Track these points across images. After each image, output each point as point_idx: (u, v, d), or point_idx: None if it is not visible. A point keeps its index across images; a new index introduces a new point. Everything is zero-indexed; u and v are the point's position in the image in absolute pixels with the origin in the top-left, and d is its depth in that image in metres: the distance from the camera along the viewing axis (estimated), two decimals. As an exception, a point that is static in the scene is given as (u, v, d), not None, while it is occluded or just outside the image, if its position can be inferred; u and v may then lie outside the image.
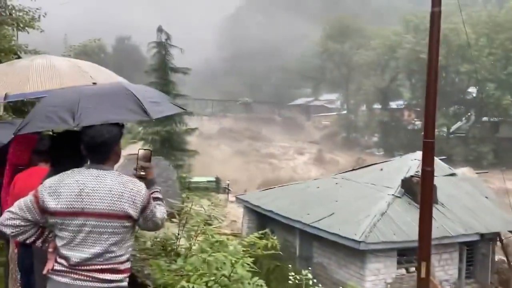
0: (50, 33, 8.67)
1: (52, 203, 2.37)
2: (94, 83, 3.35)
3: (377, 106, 62.00)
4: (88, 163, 2.50)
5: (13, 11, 8.10)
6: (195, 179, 29.67)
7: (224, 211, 21.29)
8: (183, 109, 3.45)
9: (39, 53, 7.86)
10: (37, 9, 8.21)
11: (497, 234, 15.19)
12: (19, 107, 5.78)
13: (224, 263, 3.02)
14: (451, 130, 53.83)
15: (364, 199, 14.71)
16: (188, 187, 23.51)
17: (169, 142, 25.56)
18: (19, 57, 7.64)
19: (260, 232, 3.21)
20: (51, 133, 3.24)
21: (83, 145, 2.49)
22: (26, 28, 7.99)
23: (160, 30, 27.25)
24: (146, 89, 2.82)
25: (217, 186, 33.59)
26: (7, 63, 4.38)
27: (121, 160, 2.64)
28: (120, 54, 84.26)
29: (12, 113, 6.02)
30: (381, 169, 17.41)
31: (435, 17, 6.78)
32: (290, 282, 3.43)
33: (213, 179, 34.11)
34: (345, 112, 66.57)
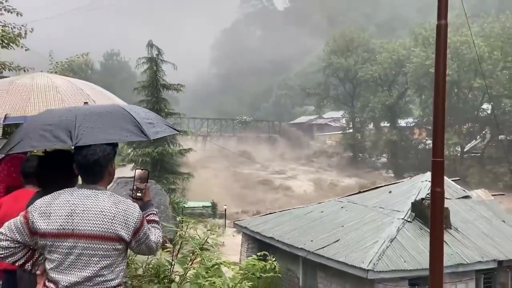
0: (35, 49, 8.82)
1: (42, 224, 2.44)
2: (86, 103, 3.45)
3: (385, 124, 62.13)
4: (80, 182, 2.59)
5: None
6: (190, 204, 29.65)
7: (221, 238, 21.24)
8: (178, 131, 3.56)
9: (24, 70, 8.01)
10: (22, 25, 8.38)
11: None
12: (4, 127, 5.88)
13: (222, 287, 3.08)
14: (465, 150, 53.88)
15: (372, 223, 14.73)
16: (182, 212, 23.50)
17: (161, 164, 25.57)
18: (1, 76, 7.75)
19: (259, 253, 3.28)
20: (38, 154, 3.33)
21: (75, 164, 2.58)
22: (11, 44, 8.12)
23: (150, 45, 27.48)
24: (141, 110, 2.93)
25: (214, 212, 33.54)
26: (7, 79, 4.44)
27: (111, 184, 2.72)
28: (108, 71, 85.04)
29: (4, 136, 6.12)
30: (390, 192, 17.46)
31: (442, 31, 6.95)
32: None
33: (209, 204, 34.08)
34: (350, 130, 66.64)
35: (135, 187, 2.84)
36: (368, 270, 12.39)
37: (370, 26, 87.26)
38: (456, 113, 47.98)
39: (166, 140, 26.65)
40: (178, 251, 4.19)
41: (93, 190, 2.53)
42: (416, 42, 55.57)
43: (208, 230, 4.39)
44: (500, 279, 14.81)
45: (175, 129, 3.28)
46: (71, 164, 2.81)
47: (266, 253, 3.24)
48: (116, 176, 2.81)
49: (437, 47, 6.92)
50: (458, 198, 16.32)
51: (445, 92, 6.91)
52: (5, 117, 3.51)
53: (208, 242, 3.87)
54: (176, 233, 4.13)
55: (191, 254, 3.98)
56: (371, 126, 65.45)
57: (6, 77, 6.09)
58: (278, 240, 15.53)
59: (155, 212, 2.86)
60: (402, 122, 60.90)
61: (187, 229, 4.18)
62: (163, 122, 3.11)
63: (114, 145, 2.61)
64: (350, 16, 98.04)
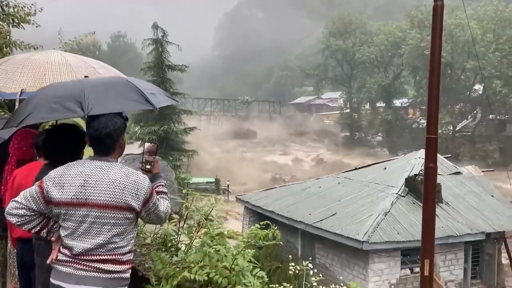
0: (44, 29, 8.76)
1: (56, 194, 2.45)
2: (86, 76, 3.42)
3: (380, 104, 62.00)
4: (92, 154, 2.59)
5: (6, 7, 8.23)
6: (194, 180, 29.78)
7: (224, 210, 21.41)
8: (176, 101, 3.57)
9: (34, 48, 7.98)
10: (32, 4, 8.35)
11: (503, 234, 15.27)
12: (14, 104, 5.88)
13: (225, 255, 3.11)
14: (456, 129, 53.87)
15: (367, 198, 14.80)
16: (187, 187, 23.64)
17: (166, 142, 25.63)
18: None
19: (261, 223, 3.31)
20: (48, 127, 3.33)
21: (88, 137, 2.58)
22: (21, 23, 8.11)
23: (155, 26, 27.25)
24: (143, 82, 2.91)
25: (217, 187, 33.72)
26: (23, 56, 4.40)
27: (119, 160, 2.72)
28: (115, 52, 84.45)
29: (8, 110, 6.12)
30: (385, 168, 17.50)
31: (438, 11, 6.86)
32: (290, 272, 3.52)
33: (212, 180, 34.24)
34: (348, 110, 66.52)
35: (144, 159, 2.84)
36: (363, 241, 12.50)
37: (368, 9, 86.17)
38: (449, 94, 47.80)
39: (171, 119, 26.67)
40: (184, 221, 4.22)
41: (105, 162, 2.53)
42: (412, 24, 55.06)
43: (212, 204, 4.42)
44: (487, 250, 14.96)
45: (174, 99, 3.28)
46: (76, 137, 2.81)
47: (269, 222, 3.26)
48: (124, 152, 2.81)
49: (433, 27, 6.84)
50: (449, 174, 16.36)
51: (439, 72, 6.86)
52: (21, 92, 3.51)
53: (212, 216, 3.90)
54: (183, 205, 4.15)
55: (196, 225, 4.01)
56: (367, 106, 65.37)
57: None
58: (278, 214, 15.62)
59: (163, 184, 2.87)
60: (397, 102, 60.78)
61: (192, 201, 4.20)
62: (163, 93, 3.11)
63: (125, 119, 2.61)
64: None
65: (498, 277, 15.09)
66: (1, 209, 4.04)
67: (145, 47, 27.98)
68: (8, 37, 7.96)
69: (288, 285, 3.18)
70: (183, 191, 4.06)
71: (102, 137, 2.51)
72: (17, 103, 3.67)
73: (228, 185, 32.86)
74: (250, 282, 2.93)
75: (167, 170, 21.42)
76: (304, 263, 3.25)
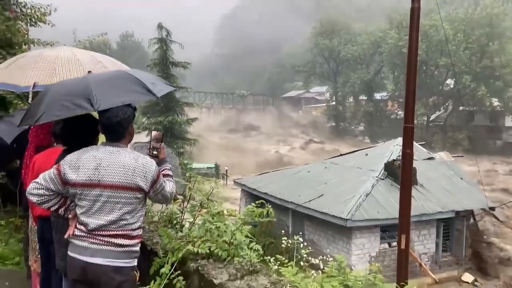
0: (59, 28, 8.68)
1: (72, 176, 2.45)
2: (89, 72, 3.38)
3: (363, 97, 62.08)
4: (105, 141, 2.59)
5: (24, 8, 8.18)
6: (196, 165, 29.73)
7: (224, 193, 21.46)
8: (174, 87, 3.55)
9: (50, 45, 7.90)
10: (48, 5, 8.29)
11: (471, 212, 15.44)
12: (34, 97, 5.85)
13: (225, 231, 3.13)
14: (430, 119, 54.07)
15: (351, 181, 14.89)
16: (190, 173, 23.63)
17: (171, 132, 25.57)
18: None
19: (257, 202, 3.32)
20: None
21: (100, 125, 2.58)
22: (38, 22, 8.06)
23: (160, 27, 27.05)
24: (143, 73, 2.86)
25: (217, 172, 33.69)
26: (36, 52, 4.35)
27: (128, 147, 2.71)
28: (124, 50, 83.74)
29: (28, 102, 6.07)
30: (366, 154, 17.58)
31: (415, 13, 6.85)
32: (283, 246, 3.54)
33: (212, 165, 34.20)
34: (333, 103, 66.54)
35: (152, 146, 2.84)
36: (347, 219, 12.61)
37: (351, 11, 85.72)
38: (424, 88, 47.84)
39: (175, 111, 26.57)
40: (188, 202, 4.22)
41: (116, 147, 2.53)
42: (391, 25, 54.98)
43: (212, 187, 4.42)
44: (456, 227, 15.13)
45: (171, 85, 3.26)
46: (90, 125, 2.80)
47: (264, 201, 3.27)
48: (133, 141, 2.80)
49: (411, 28, 6.83)
50: (424, 159, 16.46)
51: (416, 67, 6.87)
52: (34, 85, 3.48)
53: (212, 197, 3.90)
54: (186, 186, 4.15)
55: (198, 204, 4.01)
56: (351, 99, 65.37)
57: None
58: (271, 195, 15.69)
59: (169, 168, 2.87)
60: (377, 96, 60.88)
61: (195, 183, 4.20)
62: (162, 81, 3.07)
63: (133, 109, 2.60)
64: (335, 2, 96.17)
65: (465, 249, 15.29)
66: (22, 191, 4.05)
67: (151, 46, 27.77)
68: (26, 35, 7.89)
69: (281, 256, 3.19)
70: (186, 175, 4.06)
71: (113, 125, 2.51)
72: (30, 96, 3.65)
73: (226, 170, 32.85)
74: (247, 254, 2.94)
75: (172, 156, 21.38)
76: (295, 238, 3.26)
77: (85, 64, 3.70)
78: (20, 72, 3.68)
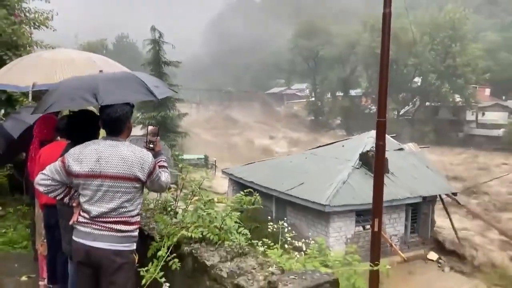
0: (60, 32, 8.59)
1: (76, 167, 2.46)
2: (101, 71, 3.38)
3: (339, 93, 62.49)
4: (105, 135, 2.58)
5: (28, 13, 8.11)
6: (186, 156, 29.60)
7: (213, 182, 21.39)
8: (175, 91, 3.59)
9: (52, 48, 7.80)
10: (50, 10, 8.24)
11: (436, 197, 15.72)
12: (40, 94, 5.80)
13: (216, 217, 3.14)
14: (400, 113, 54.82)
15: (329, 170, 14.98)
16: (182, 164, 23.50)
17: (163, 125, 25.39)
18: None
19: (245, 190, 3.34)
20: (67, 114, 3.29)
21: (101, 121, 2.57)
22: (41, 26, 8.02)
23: (153, 29, 26.82)
24: (148, 76, 2.90)
25: (206, 163, 33.58)
26: (34, 55, 4.33)
27: (126, 140, 2.72)
28: (120, 51, 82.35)
29: (34, 101, 6.03)
30: (343, 146, 17.69)
31: (386, 17, 6.90)
32: (269, 230, 3.58)
33: (202, 156, 34.06)
34: (313, 99, 66.90)
35: (148, 140, 2.84)
36: (325, 205, 12.72)
37: (329, 15, 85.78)
38: (394, 85, 48.37)
39: (167, 106, 26.37)
40: (181, 190, 4.22)
41: (116, 141, 2.53)
42: (364, 28, 55.31)
43: (202, 177, 4.42)
44: (423, 210, 15.40)
45: (173, 90, 3.29)
46: (92, 121, 2.80)
47: (251, 190, 3.30)
48: (128, 135, 2.81)
49: (383, 31, 6.89)
50: (394, 150, 16.63)
51: (388, 67, 6.94)
52: (33, 85, 3.46)
53: (203, 185, 3.91)
54: (179, 176, 4.15)
55: (191, 193, 4.02)
56: (328, 95, 65.76)
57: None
58: (256, 184, 15.70)
59: (164, 159, 2.88)
60: (353, 92, 61.39)
61: (187, 173, 4.20)
62: (165, 85, 3.10)
63: (131, 106, 2.60)
64: (314, 6, 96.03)
65: (431, 231, 15.60)
66: (28, 181, 4.03)
67: (145, 46, 27.49)
68: (30, 38, 7.82)
69: (267, 240, 3.23)
70: (179, 166, 4.07)
71: (113, 120, 2.52)
72: (30, 95, 3.64)
73: (215, 161, 32.77)
74: (236, 238, 2.97)
75: (165, 148, 21.23)
76: (280, 223, 3.30)
77: (79, 64, 3.69)
78: (20, 73, 3.66)
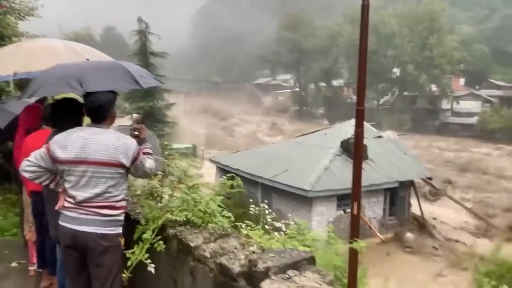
0: (46, 23, 8.35)
1: (61, 154, 2.42)
2: (87, 59, 3.32)
3: (322, 84, 62.65)
4: (90, 122, 2.55)
5: (13, 3, 7.86)
6: (175, 146, 29.35)
7: (201, 170, 21.34)
8: (161, 82, 3.54)
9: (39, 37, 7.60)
10: (36, 0, 8.01)
11: (412, 182, 16.02)
12: (24, 84, 5.66)
13: (200, 201, 3.16)
14: (380, 103, 55.31)
15: (312, 157, 15.11)
16: (169, 152, 23.34)
17: (151, 115, 25.05)
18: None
19: (228, 175, 3.36)
20: (53, 100, 3.24)
21: (85, 108, 2.54)
22: (26, 16, 7.78)
23: (140, 20, 26.29)
24: (134, 66, 2.86)
25: (194, 152, 33.41)
26: (14, 44, 4.22)
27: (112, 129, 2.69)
28: (107, 42, 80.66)
29: (18, 89, 5.89)
30: (325, 134, 17.84)
31: (365, 9, 6.89)
32: (251, 212, 3.61)
33: (190, 146, 33.85)
34: (297, 89, 66.96)
35: (133, 127, 2.81)
36: (308, 190, 12.86)
37: (312, 8, 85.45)
38: (374, 75, 48.72)
39: (155, 96, 26.01)
40: (167, 177, 4.21)
41: (99, 128, 2.50)
42: (346, 20, 55.29)
43: (189, 165, 4.40)
44: (400, 194, 15.70)
45: (159, 81, 3.25)
46: (75, 108, 2.77)
47: (233, 175, 3.32)
48: (116, 124, 2.77)
49: (362, 22, 6.89)
50: (374, 138, 16.85)
51: (366, 57, 6.97)
52: (14, 74, 3.38)
53: (189, 172, 3.91)
54: (166, 163, 4.14)
55: (176, 179, 4.02)
56: (312, 86, 65.89)
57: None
58: (243, 171, 15.73)
59: (149, 147, 2.85)
60: (335, 83, 61.60)
61: (173, 161, 4.19)
62: (151, 76, 3.07)
63: (115, 94, 2.57)
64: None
65: (407, 213, 15.94)
66: (16, 169, 3.97)
67: (131, 37, 26.91)
68: (15, 28, 7.59)
69: (250, 222, 3.26)
70: (165, 153, 4.05)
71: (96, 107, 2.48)
72: (11, 83, 3.55)
73: (202, 149, 32.64)
74: (220, 221, 3.00)
75: (153, 138, 20.95)
76: (261, 205, 3.34)
77: (61, 52, 3.61)
78: (1, 62, 3.56)
